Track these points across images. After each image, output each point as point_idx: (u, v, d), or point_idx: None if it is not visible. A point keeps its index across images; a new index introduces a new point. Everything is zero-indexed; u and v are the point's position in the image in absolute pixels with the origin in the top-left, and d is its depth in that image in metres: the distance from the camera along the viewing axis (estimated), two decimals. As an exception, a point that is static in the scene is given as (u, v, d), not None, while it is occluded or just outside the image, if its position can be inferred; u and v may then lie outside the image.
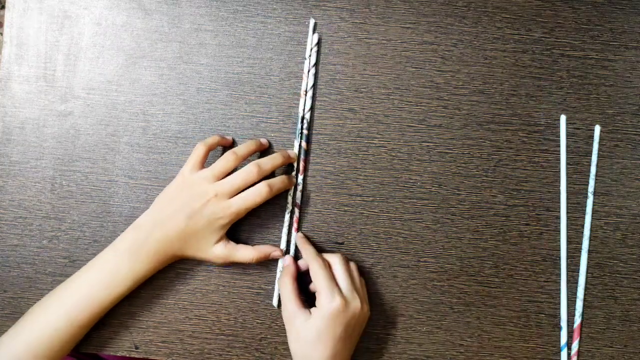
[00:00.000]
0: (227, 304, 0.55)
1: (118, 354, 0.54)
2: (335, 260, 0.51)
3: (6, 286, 0.55)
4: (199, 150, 0.51)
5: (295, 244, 0.54)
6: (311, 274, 0.50)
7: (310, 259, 0.50)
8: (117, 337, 0.54)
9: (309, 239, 0.54)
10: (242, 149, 0.52)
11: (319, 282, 0.49)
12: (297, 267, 0.53)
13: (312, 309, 0.49)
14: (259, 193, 0.50)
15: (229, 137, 0.54)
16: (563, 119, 0.54)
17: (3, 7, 1.21)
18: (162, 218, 0.50)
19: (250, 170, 0.50)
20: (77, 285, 0.49)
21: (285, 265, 0.53)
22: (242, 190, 0.50)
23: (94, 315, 0.49)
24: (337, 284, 0.49)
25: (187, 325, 0.55)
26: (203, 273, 0.55)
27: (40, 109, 0.55)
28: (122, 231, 0.54)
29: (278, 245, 0.54)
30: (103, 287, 0.49)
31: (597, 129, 0.54)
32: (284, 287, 0.51)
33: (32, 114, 0.55)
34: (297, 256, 0.54)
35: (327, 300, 0.48)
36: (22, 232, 0.55)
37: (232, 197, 0.50)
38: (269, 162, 0.51)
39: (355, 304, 0.49)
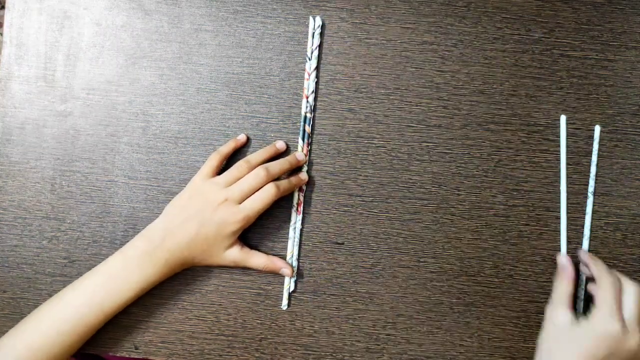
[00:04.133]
0: (227, 305, 0.55)
1: (118, 354, 0.54)
2: (630, 287, 0.48)
3: (5, 286, 0.55)
4: (213, 160, 0.52)
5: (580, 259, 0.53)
6: (599, 284, 0.48)
7: (603, 273, 0.48)
8: (117, 337, 0.54)
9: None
10: (255, 157, 0.52)
11: (603, 297, 0.47)
12: (573, 270, 0.51)
13: (583, 319, 0.47)
14: (267, 194, 0.50)
15: (243, 137, 0.54)
16: (563, 119, 0.54)
17: (3, 7, 1.21)
18: (173, 227, 0.50)
19: (258, 174, 0.50)
20: (82, 289, 0.49)
21: (562, 265, 0.51)
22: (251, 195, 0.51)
23: (98, 320, 0.49)
24: (621, 308, 0.47)
25: (187, 325, 0.55)
26: (202, 273, 0.55)
27: (40, 109, 0.55)
28: (122, 231, 0.54)
29: (285, 259, 0.54)
30: (109, 293, 0.49)
31: (597, 129, 0.54)
32: (560, 286, 0.50)
33: (32, 114, 0.55)
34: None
35: (604, 318, 0.46)
36: (22, 233, 0.55)
37: (242, 202, 0.50)
38: (277, 166, 0.52)
39: (636, 339, 0.46)
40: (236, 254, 0.51)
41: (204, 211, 0.49)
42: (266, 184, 0.50)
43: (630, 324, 0.46)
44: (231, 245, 0.51)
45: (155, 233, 0.50)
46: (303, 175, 0.54)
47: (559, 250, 0.55)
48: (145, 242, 0.50)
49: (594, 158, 0.55)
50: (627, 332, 0.46)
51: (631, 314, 0.47)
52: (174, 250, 0.50)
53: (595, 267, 0.50)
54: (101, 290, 0.49)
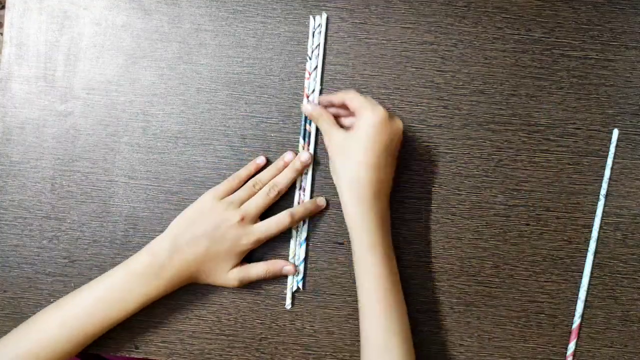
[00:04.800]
0: (227, 304, 0.55)
1: (118, 354, 0.54)
2: (368, 97, 0.50)
3: (6, 286, 0.55)
4: (231, 182, 0.52)
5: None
6: (348, 101, 0.50)
7: (343, 92, 0.51)
8: (117, 337, 0.54)
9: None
10: (265, 175, 0.53)
11: (357, 102, 0.49)
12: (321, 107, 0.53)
13: (355, 123, 0.49)
14: (281, 222, 0.51)
15: (262, 159, 0.54)
16: (615, 133, 0.54)
17: (3, 7, 1.21)
18: (182, 243, 0.50)
19: (269, 192, 0.51)
20: (84, 300, 0.49)
21: (310, 110, 0.52)
22: (264, 212, 0.52)
23: (97, 330, 0.49)
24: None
25: (187, 325, 0.55)
26: (203, 273, 0.55)
27: (40, 109, 0.55)
28: (122, 231, 0.55)
29: (287, 259, 0.55)
30: (110, 306, 0.49)
31: (615, 132, 0.54)
32: (322, 119, 0.51)
33: (32, 114, 0.55)
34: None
35: (370, 110, 0.48)
36: (22, 232, 0.55)
37: (256, 222, 0.51)
38: (284, 179, 0.52)
39: (398, 121, 0.50)
40: (237, 274, 0.52)
41: (218, 229, 0.50)
42: (277, 198, 0.52)
43: (387, 112, 0.49)
44: (235, 265, 0.51)
45: (161, 248, 0.50)
46: (320, 201, 0.54)
47: (560, 250, 0.55)
48: (150, 258, 0.50)
49: (609, 161, 0.54)
50: (392, 115, 0.49)
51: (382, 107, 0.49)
52: (181, 267, 0.50)
53: (334, 95, 0.51)
54: (102, 303, 0.49)
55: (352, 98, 0.49)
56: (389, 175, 0.50)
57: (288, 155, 0.54)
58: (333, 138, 0.50)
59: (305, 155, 0.53)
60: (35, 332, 0.48)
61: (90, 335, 0.49)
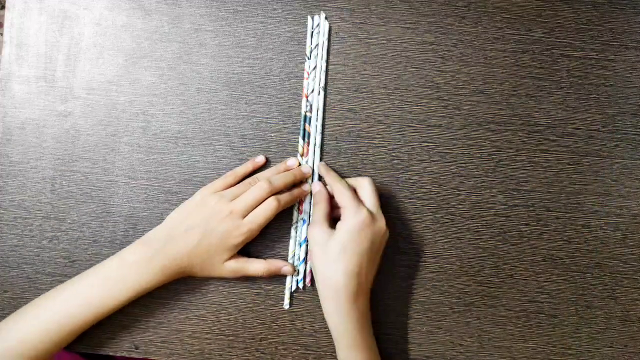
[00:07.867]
0: (227, 304, 0.55)
1: (118, 354, 0.54)
2: (364, 182, 0.51)
3: (6, 286, 0.55)
4: (227, 178, 0.52)
5: (319, 173, 0.54)
6: (336, 194, 0.51)
7: (334, 181, 0.51)
8: (117, 337, 0.54)
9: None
10: (264, 175, 0.53)
11: (343, 199, 0.50)
12: (328, 192, 0.53)
13: (337, 224, 0.50)
14: (268, 208, 0.50)
15: (261, 158, 0.54)
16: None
17: (3, 7, 1.21)
18: (176, 234, 0.50)
19: (261, 187, 0.51)
20: (77, 289, 0.49)
21: (316, 191, 0.53)
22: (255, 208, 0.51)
23: (89, 320, 0.49)
24: (362, 202, 0.50)
25: (187, 325, 0.55)
26: (203, 273, 0.55)
27: (40, 109, 0.55)
28: (122, 231, 0.55)
29: (286, 259, 0.54)
30: (103, 296, 0.49)
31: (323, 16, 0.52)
32: (318, 208, 0.52)
33: (32, 114, 0.55)
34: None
35: (352, 213, 0.49)
36: (22, 232, 0.55)
37: (245, 215, 0.50)
38: (281, 179, 0.52)
39: (382, 222, 0.50)
40: (234, 264, 0.51)
41: (209, 222, 0.50)
42: (269, 196, 0.51)
43: (374, 210, 0.50)
44: (230, 258, 0.51)
45: (155, 239, 0.50)
46: (305, 187, 0.54)
47: (559, 250, 0.55)
48: (144, 248, 0.50)
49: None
50: (374, 216, 0.49)
51: (372, 201, 0.50)
52: (174, 257, 0.50)
53: (329, 177, 0.52)
54: (95, 292, 0.49)
55: (339, 192, 0.50)
56: (369, 278, 0.50)
57: (290, 161, 0.54)
58: (316, 234, 0.50)
59: (306, 168, 0.54)
60: (24, 323, 0.48)
61: (82, 326, 0.49)
